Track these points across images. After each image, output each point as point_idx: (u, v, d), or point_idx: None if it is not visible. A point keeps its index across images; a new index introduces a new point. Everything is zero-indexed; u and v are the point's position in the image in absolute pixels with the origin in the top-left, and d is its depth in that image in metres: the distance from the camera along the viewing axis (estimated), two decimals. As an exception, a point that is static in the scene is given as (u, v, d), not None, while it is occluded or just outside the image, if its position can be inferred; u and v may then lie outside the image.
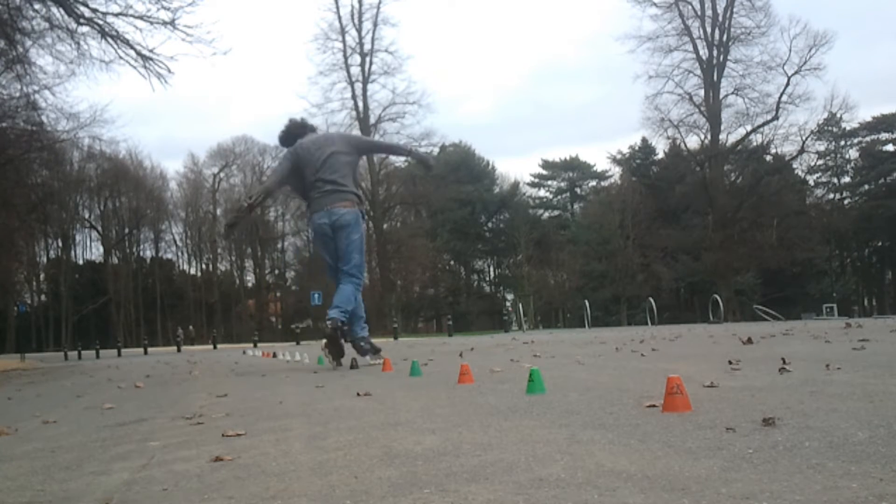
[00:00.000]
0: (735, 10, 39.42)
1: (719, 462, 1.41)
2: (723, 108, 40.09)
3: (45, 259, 50.84)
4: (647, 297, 27.64)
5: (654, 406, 2.15)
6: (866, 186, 47.21)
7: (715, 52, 39.90)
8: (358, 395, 3.15)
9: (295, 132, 5.81)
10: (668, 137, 42.69)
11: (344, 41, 43.05)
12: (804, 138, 39.66)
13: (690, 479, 1.29)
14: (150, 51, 15.31)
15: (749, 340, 5.57)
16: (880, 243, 47.17)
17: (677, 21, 40.34)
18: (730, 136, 41.07)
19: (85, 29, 15.27)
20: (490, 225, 57.82)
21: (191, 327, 44.88)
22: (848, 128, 45.21)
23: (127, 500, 1.47)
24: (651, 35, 40.06)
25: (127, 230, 53.50)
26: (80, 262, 53.78)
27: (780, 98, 38.34)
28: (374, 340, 5.88)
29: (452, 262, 57.03)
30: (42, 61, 21.13)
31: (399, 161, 47.54)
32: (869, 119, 46.12)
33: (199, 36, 15.08)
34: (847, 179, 48.58)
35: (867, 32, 69.41)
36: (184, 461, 1.83)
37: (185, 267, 57.79)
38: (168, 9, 14.51)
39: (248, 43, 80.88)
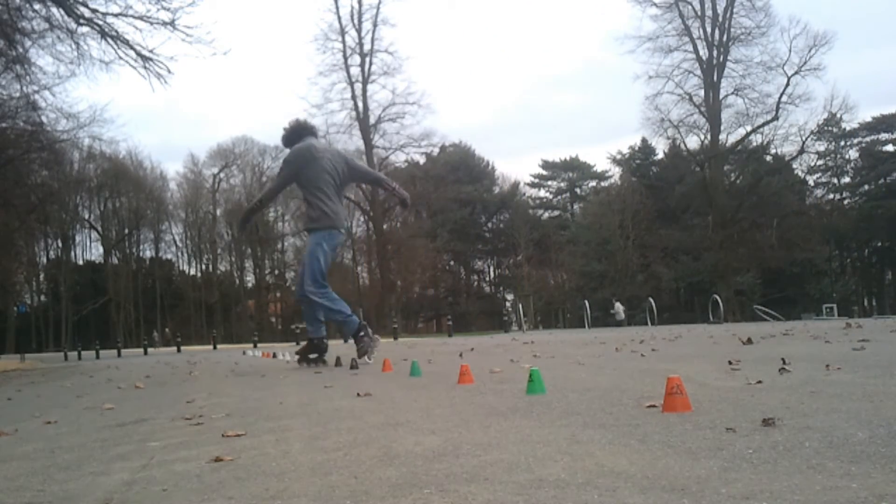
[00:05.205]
0: (735, 10, 39.44)
1: (719, 462, 1.41)
2: (723, 108, 40.07)
3: (45, 259, 50.89)
4: (647, 297, 27.63)
5: (654, 406, 2.15)
6: (866, 186, 47.19)
7: (715, 53, 39.89)
8: (358, 395, 3.15)
9: (301, 132, 6.04)
10: (668, 138, 42.70)
11: (344, 42, 43.06)
12: (804, 138, 39.66)
13: (690, 479, 1.29)
14: (150, 51, 15.30)
15: (749, 341, 5.57)
16: (880, 243, 47.15)
17: (677, 21, 40.38)
18: (730, 137, 41.10)
19: (85, 29, 15.27)
20: (490, 225, 57.84)
21: (167, 329, 45.06)
22: (848, 128, 45.21)
23: (127, 500, 1.47)
24: (651, 35, 40.11)
25: (127, 230, 53.51)
26: (80, 262, 53.80)
27: (780, 98, 38.34)
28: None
29: (452, 263, 57.04)
30: (42, 61, 21.16)
31: (399, 161, 47.66)
32: (869, 119, 46.14)
33: (198, 36, 15.06)
34: (847, 180, 48.58)
35: (867, 33, 69.49)
36: (184, 461, 1.83)
37: (185, 267, 57.87)
38: (168, 9, 14.50)
39: (248, 43, 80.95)
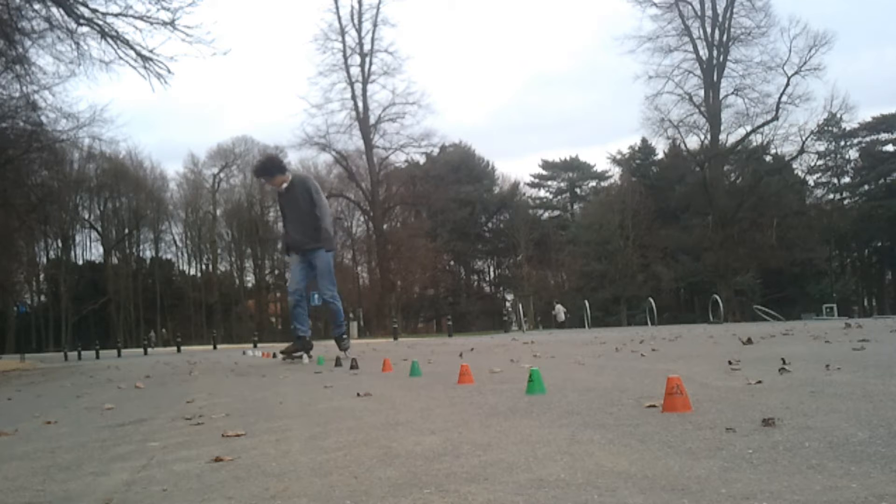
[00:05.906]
0: (735, 10, 39.43)
1: (719, 462, 1.41)
2: (723, 108, 40.06)
3: (45, 259, 50.82)
4: (647, 297, 27.63)
5: (653, 406, 2.15)
6: (866, 186, 47.19)
7: (715, 53, 39.88)
8: (358, 395, 3.14)
9: (281, 166, 6.64)
10: (668, 138, 42.71)
11: (344, 42, 43.06)
12: (804, 138, 39.62)
13: (690, 479, 1.29)
14: (150, 51, 15.27)
15: (749, 341, 5.57)
16: (880, 243, 47.14)
17: (677, 21, 40.38)
18: (730, 137, 41.10)
19: (85, 29, 15.24)
20: (490, 225, 57.83)
21: (164, 329, 45.09)
22: (848, 128, 45.19)
23: (127, 501, 1.47)
24: (651, 35, 40.13)
25: (127, 230, 53.48)
26: (80, 262, 53.77)
27: (780, 98, 38.32)
28: (374, 340, 6.09)
29: (452, 263, 57.00)
30: (42, 61, 21.03)
31: (399, 161, 47.69)
32: (869, 119, 46.16)
33: (198, 36, 15.01)
34: (847, 180, 48.57)
35: (867, 33, 69.48)
36: (184, 461, 1.83)
37: (185, 267, 57.85)
38: (168, 9, 14.47)
39: (249, 43, 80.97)
